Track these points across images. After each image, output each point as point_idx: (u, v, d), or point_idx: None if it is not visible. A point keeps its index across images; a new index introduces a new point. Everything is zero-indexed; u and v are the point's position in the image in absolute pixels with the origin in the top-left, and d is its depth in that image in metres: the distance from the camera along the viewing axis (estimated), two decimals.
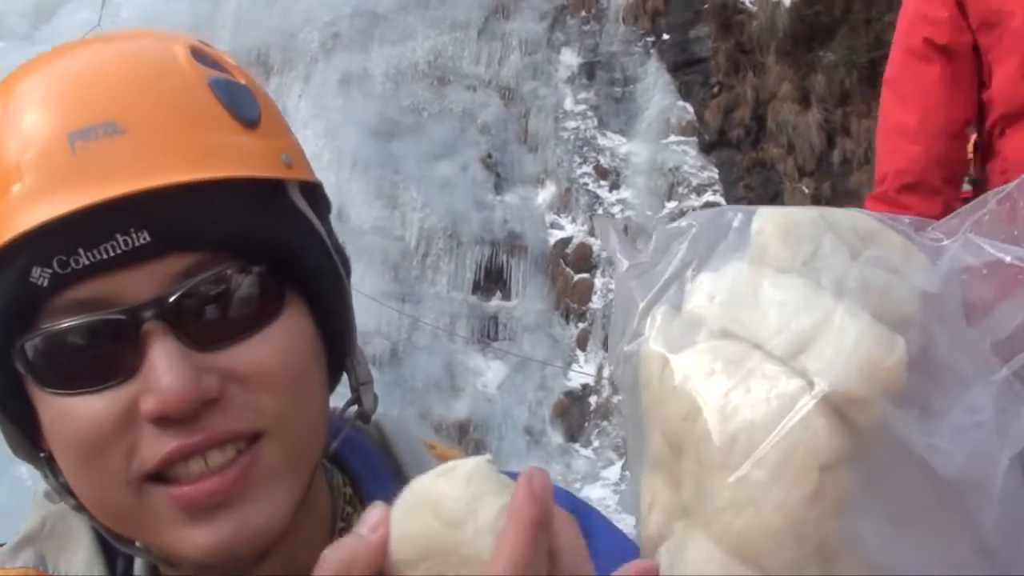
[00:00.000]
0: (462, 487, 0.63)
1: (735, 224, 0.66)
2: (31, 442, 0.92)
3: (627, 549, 1.06)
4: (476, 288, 11.12)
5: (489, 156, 11.77)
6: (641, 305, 0.66)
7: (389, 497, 0.99)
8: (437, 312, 10.65)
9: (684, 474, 0.62)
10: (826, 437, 0.57)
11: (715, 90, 11.66)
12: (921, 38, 3.01)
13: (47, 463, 0.92)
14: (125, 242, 0.81)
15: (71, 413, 0.84)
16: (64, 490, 0.92)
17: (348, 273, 1.02)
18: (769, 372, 0.60)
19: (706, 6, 11.98)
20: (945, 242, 0.65)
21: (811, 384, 0.58)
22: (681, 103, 11.91)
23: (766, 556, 0.58)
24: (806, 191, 10.59)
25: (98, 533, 0.97)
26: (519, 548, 0.59)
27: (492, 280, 11.26)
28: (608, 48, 12.54)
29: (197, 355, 0.84)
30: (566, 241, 11.46)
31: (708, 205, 11.12)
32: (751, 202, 10.76)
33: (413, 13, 12.50)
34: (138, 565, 0.98)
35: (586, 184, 11.73)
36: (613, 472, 10.15)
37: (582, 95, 12.38)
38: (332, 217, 1.04)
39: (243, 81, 0.95)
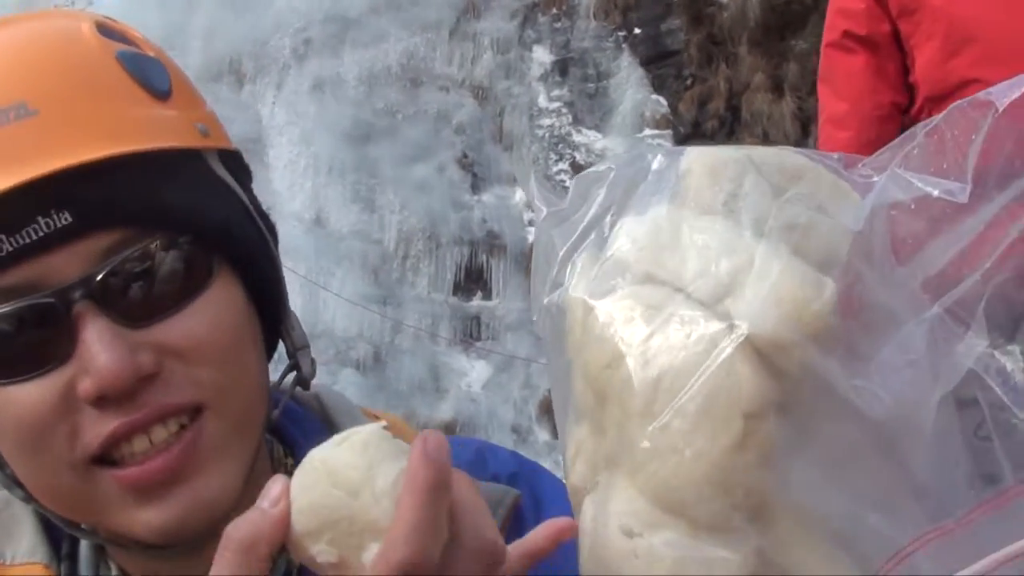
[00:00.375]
0: (359, 454, 0.62)
1: (655, 166, 0.64)
2: None
3: None
4: (457, 289, 11.10)
5: (465, 156, 11.74)
6: (561, 253, 0.64)
7: None
8: (419, 314, 10.62)
9: (608, 422, 0.60)
10: (750, 384, 0.55)
11: (688, 82, 11.67)
12: (840, 31, 3.16)
13: None
14: (47, 224, 0.80)
15: (9, 402, 0.82)
16: (12, 482, 0.90)
17: (275, 240, 1.00)
18: (690, 317, 0.58)
19: None
20: (875, 178, 0.63)
21: (733, 329, 0.57)
22: (655, 97, 11.92)
23: (691, 506, 0.56)
24: None
25: (42, 518, 0.96)
26: (417, 512, 0.58)
27: (472, 280, 11.24)
28: (580, 44, 12.54)
29: (130, 332, 0.83)
30: None
31: None
32: None
33: (384, 16, 12.47)
34: (84, 547, 0.97)
35: (563, 181, 11.71)
36: None
37: (556, 92, 12.36)
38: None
39: (151, 53, 0.94)
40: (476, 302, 11.09)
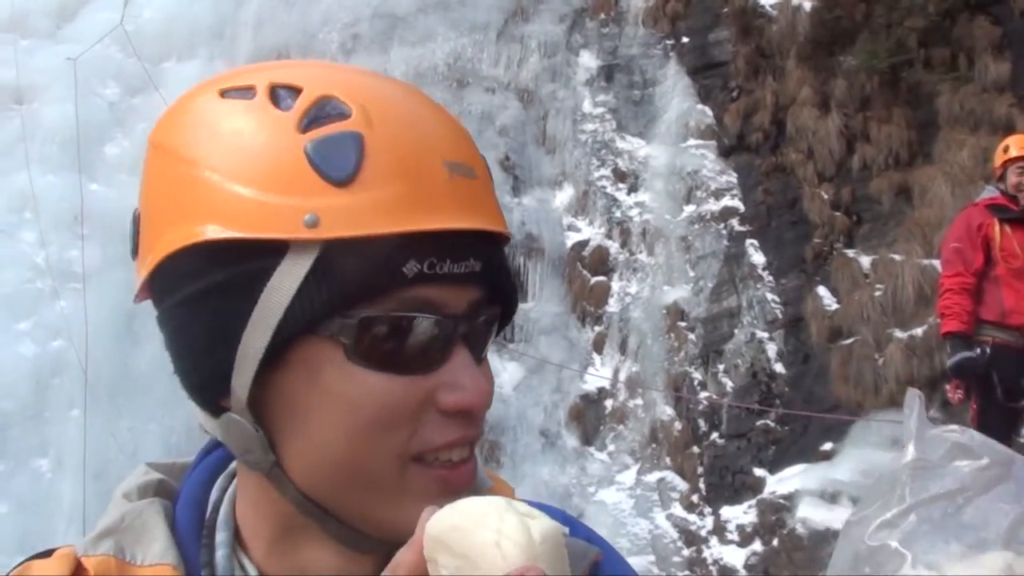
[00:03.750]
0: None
1: (1016, 472, 0.70)
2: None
3: None
4: None
5: (507, 158, 11.78)
6: (909, 502, 0.70)
7: None
8: None
9: None
10: None
11: (734, 94, 11.65)
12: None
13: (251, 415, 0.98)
14: (469, 266, 0.96)
15: (379, 388, 0.94)
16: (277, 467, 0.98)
17: None
18: None
19: (726, 9, 11.96)
20: None
21: None
22: (700, 107, 11.90)
23: None
24: (825, 197, 10.59)
25: (172, 526, 1.04)
26: None
27: None
28: (627, 51, 12.53)
29: None
30: (583, 244, 11.47)
31: (726, 210, 11.12)
32: (769, 207, 10.80)
33: (433, 15, 12.51)
34: (220, 556, 1.03)
35: (604, 187, 11.73)
36: (628, 476, 10.14)
37: (601, 98, 12.37)
38: None
39: None
40: None
